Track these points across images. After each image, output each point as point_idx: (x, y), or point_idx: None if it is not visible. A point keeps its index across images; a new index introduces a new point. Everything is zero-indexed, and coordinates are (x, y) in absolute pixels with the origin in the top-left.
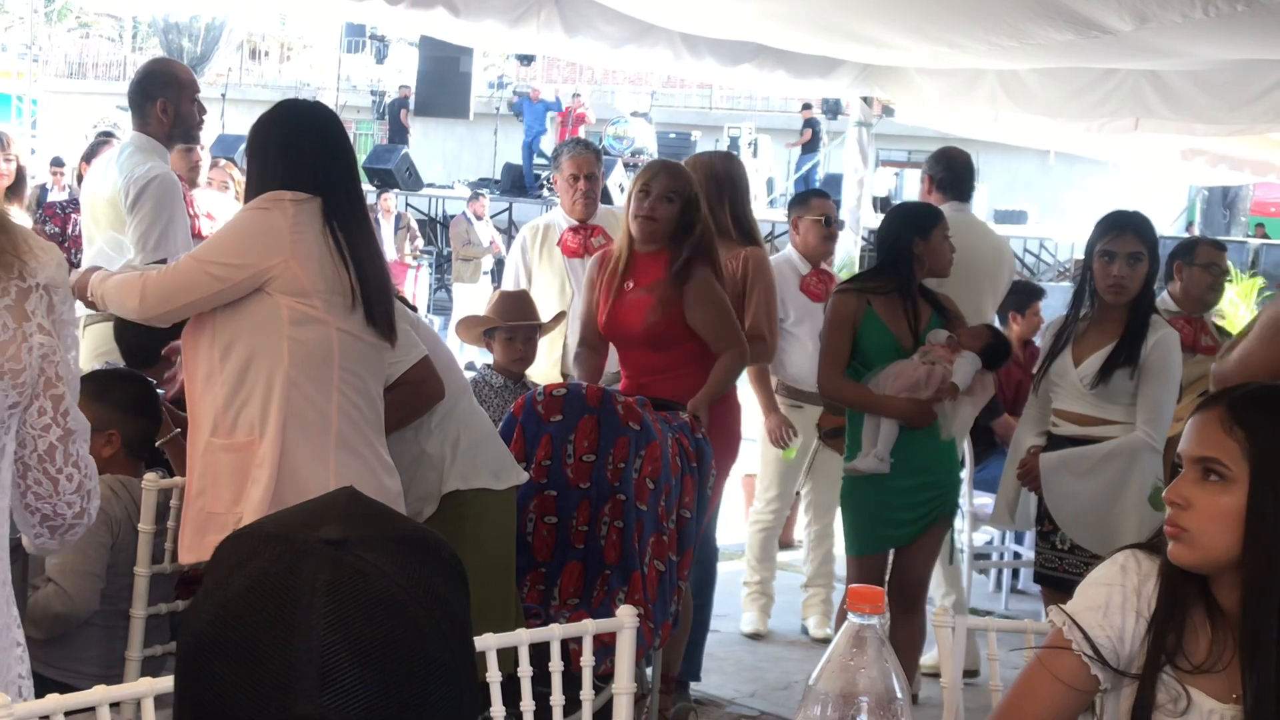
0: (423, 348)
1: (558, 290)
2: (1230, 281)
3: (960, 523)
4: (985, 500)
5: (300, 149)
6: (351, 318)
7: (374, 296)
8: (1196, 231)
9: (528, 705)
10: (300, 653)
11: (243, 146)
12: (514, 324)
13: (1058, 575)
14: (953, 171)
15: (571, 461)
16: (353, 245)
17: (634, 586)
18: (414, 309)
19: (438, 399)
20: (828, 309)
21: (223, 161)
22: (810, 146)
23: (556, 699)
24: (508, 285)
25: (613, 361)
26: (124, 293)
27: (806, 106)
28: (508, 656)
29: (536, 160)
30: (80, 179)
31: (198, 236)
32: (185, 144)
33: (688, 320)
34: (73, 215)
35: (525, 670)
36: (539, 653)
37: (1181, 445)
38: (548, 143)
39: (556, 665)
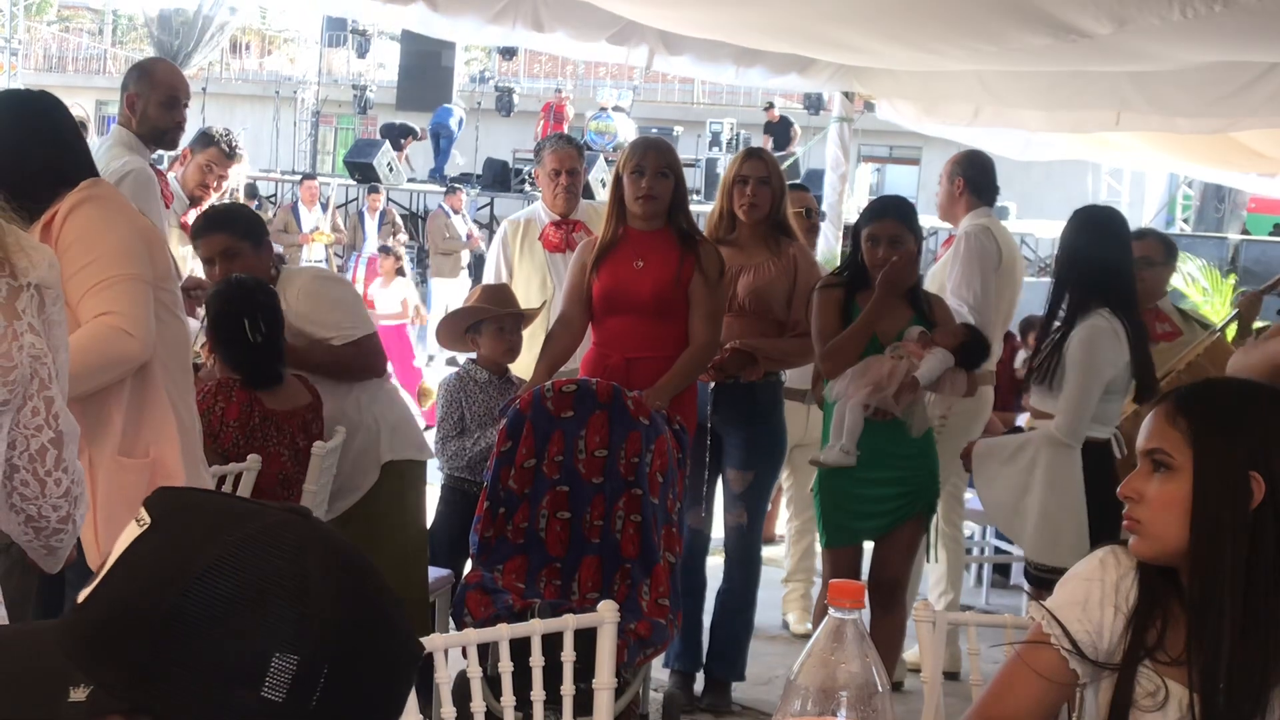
0: (374, 325)
1: (539, 285)
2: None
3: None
4: (968, 494)
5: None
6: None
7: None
8: (1186, 229)
9: (508, 700)
10: (396, 604)
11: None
12: (507, 312)
13: (1044, 576)
14: (986, 174)
15: (584, 457)
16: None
17: (657, 579)
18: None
19: (376, 374)
20: (814, 302)
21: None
22: (781, 144)
23: (537, 694)
24: (489, 279)
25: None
26: None
27: (769, 106)
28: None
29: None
30: None
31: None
32: (161, 148)
33: (691, 285)
34: None
35: (506, 665)
36: (529, 648)
37: (1136, 443)
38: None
39: (537, 660)
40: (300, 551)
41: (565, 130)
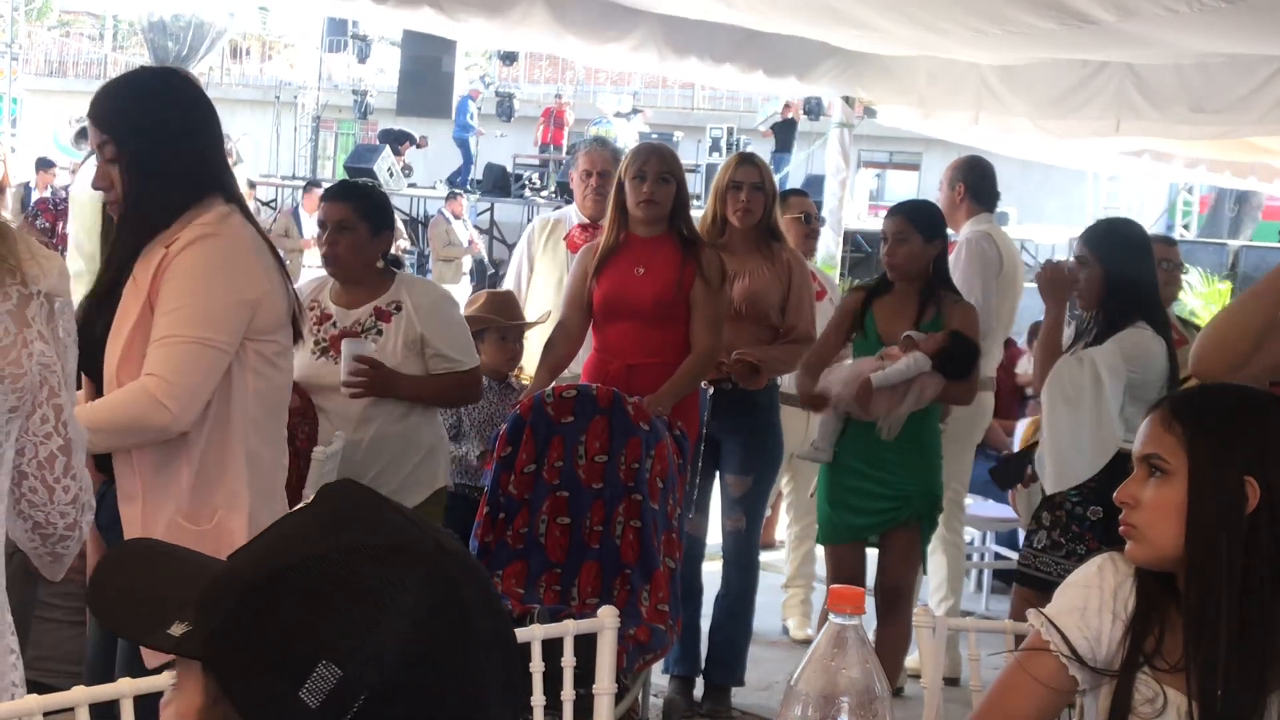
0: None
1: (555, 283)
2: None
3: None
4: (968, 500)
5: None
6: (290, 334)
7: (295, 301)
8: (1187, 234)
9: None
10: (488, 671)
11: None
12: (511, 324)
13: (1031, 574)
14: (986, 180)
15: (584, 462)
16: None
17: (657, 585)
18: None
19: (472, 401)
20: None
21: None
22: (783, 147)
23: (537, 699)
24: (510, 276)
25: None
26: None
27: (786, 106)
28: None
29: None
30: None
31: None
32: None
33: (692, 292)
34: (65, 213)
35: None
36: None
37: (1133, 448)
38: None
39: (537, 665)
40: (398, 582)
41: (565, 135)
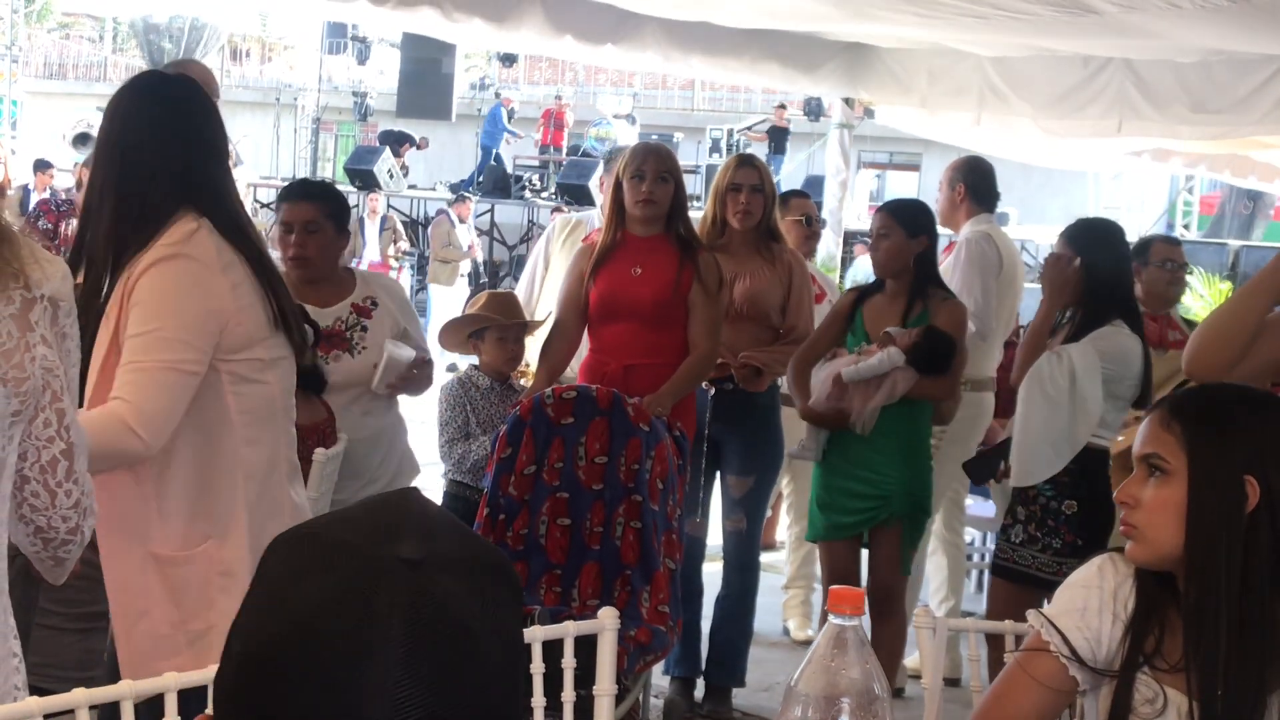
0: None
1: None
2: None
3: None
4: (969, 501)
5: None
6: (281, 344)
7: (290, 309)
8: (1188, 234)
9: None
10: (373, 683)
11: None
12: (511, 323)
13: (1008, 567)
14: (986, 181)
15: (584, 464)
16: (262, 261)
17: (657, 586)
18: None
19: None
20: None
21: None
22: (777, 149)
23: (538, 701)
24: (525, 272)
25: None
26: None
27: (781, 106)
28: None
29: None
30: (80, 184)
31: None
32: None
33: (690, 294)
34: (68, 214)
35: None
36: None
37: (1133, 448)
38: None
39: (538, 667)
40: (307, 573)
41: (565, 136)
